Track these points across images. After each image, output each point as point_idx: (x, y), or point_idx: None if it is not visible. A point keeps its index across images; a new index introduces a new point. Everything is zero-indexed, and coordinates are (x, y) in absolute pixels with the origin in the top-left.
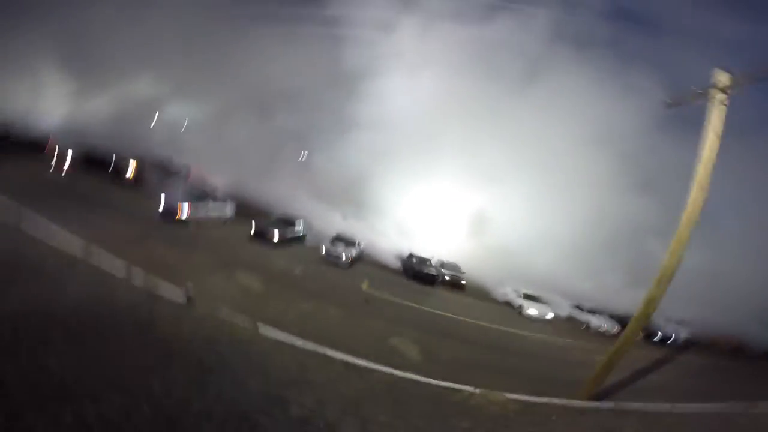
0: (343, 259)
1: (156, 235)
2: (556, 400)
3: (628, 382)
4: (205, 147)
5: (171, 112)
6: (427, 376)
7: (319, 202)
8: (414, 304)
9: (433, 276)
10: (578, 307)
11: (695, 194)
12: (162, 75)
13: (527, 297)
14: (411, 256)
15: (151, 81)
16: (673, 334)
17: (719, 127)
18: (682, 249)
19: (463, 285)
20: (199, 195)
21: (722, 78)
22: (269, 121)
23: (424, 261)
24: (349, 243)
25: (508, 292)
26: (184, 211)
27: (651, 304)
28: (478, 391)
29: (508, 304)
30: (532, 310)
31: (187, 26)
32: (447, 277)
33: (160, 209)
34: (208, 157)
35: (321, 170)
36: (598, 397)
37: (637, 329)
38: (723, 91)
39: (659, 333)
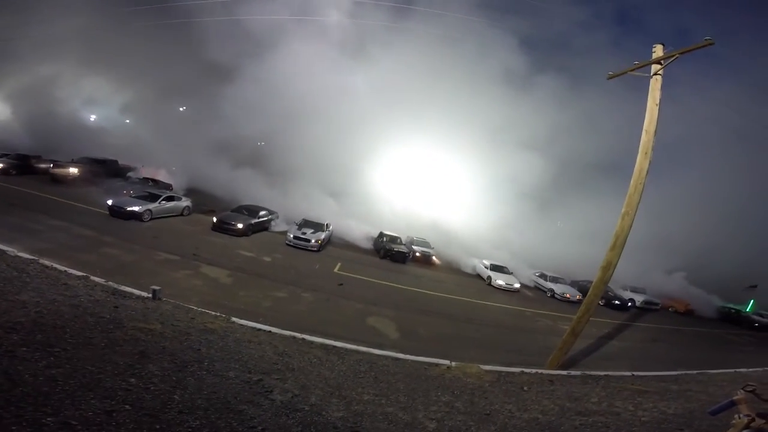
0: (313, 242)
1: (111, 236)
2: (527, 370)
3: (594, 350)
4: (141, 146)
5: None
6: (406, 353)
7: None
8: (388, 283)
9: (404, 254)
10: (542, 276)
11: (640, 159)
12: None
13: (494, 268)
14: (381, 235)
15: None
16: (631, 300)
17: (657, 96)
18: (632, 213)
19: (434, 260)
20: (153, 192)
21: (657, 51)
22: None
23: (394, 239)
24: (318, 227)
25: (476, 264)
26: (138, 207)
27: (607, 269)
28: (454, 364)
29: (479, 276)
30: (500, 281)
31: (80, 29)
32: (417, 254)
33: (110, 208)
34: (148, 154)
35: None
36: (567, 365)
37: (596, 295)
38: (657, 62)
39: (618, 300)
